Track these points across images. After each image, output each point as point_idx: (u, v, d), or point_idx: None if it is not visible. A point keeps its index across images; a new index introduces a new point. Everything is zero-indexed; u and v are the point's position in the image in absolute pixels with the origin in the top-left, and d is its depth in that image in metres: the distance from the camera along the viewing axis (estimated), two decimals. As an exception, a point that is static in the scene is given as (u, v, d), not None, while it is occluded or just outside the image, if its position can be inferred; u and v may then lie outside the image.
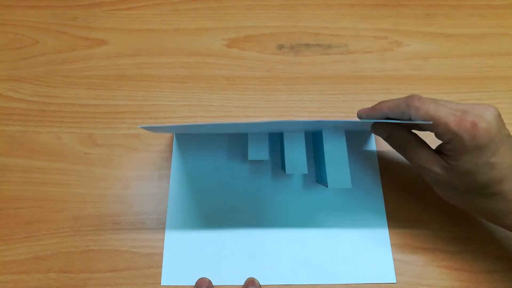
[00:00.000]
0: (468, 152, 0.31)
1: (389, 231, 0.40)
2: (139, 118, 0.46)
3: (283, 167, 0.43)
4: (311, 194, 0.42)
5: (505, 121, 0.45)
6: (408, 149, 0.34)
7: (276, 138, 0.45)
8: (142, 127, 0.32)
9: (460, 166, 0.31)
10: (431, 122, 0.31)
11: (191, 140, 0.45)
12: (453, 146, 0.31)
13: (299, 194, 0.42)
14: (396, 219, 0.41)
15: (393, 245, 0.40)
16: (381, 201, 0.42)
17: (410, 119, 0.33)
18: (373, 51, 0.50)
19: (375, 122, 0.36)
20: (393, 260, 0.39)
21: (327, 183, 0.37)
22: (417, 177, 0.43)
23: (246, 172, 0.43)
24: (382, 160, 0.44)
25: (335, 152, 0.38)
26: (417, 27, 0.53)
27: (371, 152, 0.44)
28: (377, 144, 0.45)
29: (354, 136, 0.45)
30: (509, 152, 0.31)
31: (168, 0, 0.54)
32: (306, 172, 0.39)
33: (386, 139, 0.36)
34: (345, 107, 0.46)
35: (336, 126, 0.38)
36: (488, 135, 0.30)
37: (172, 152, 0.44)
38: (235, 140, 0.45)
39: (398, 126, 0.35)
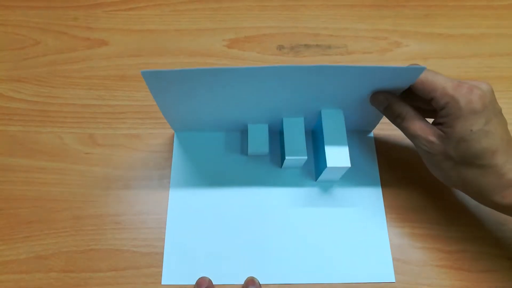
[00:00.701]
0: (463, 117, 0.32)
1: (388, 231, 0.41)
2: (140, 118, 0.46)
3: (283, 166, 0.43)
4: (311, 194, 0.42)
5: (505, 121, 0.45)
6: (405, 119, 0.35)
7: (276, 136, 0.45)
8: (144, 72, 0.32)
9: (455, 133, 0.32)
10: (425, 67, 0.32)
11: (191, 140, 0.45)
12: (449, 110, 0.32)
13: (299, 194, 0.42)
14: (396, 219, 0.41)
15: (392, 244, 0.40)
16: (381, 201, 0.42)
17: (409, 88, 0.35)
18: (372, 52, 0.50)
19: (375, 92, 0.37)
20: (393, 260, 0.39)
21: (326, 163, 0.37)
22: (417, 177, 0.43)
23: (246, 171, 0.43)
24: (382, 160, 0.44)
25: (334, 132, 0.39)
26: (416, 28, 0.53)
27: (371, 151, 0.45)
28: (377, 146, 0.45)
29: (354, 137, 0.45)
30: (501, 126, 0.32)
31: (169, 0, 0.54)
32: (306, 156, 0.39)
33: (384, 111, 0.37)
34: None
35: (335, 105, 0.39)
36: (482, 102, 0.32)
37: (172, 152, 0.44)
38: (235, 139, 0.45)
39: (397, 97, 0.36)
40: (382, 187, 0.43)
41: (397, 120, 0.36)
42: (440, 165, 0.35)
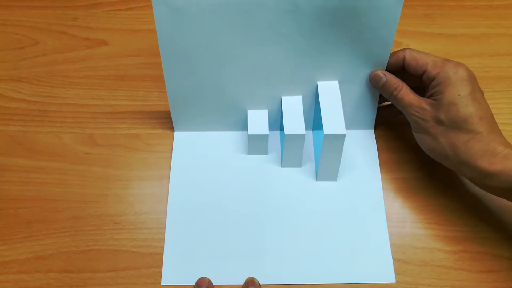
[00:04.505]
0: (452, 84, 0.36)
1: (388, 231, 0.41)
2: (140, 118, 0.46)
3: (283, 164, 0.43)
4: (311, 194, 0.42)
5: (505, 121, 0.46)
6: (401, 92, 0.39)
7: (276, 136, 0.45)
8: None
9: (445, 98, 0.36)
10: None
11: (191, 140, 0.45)
12: (439, 80, 0.37)
13: (299, 194, 0.42)
14: (396, 219, 0.41)
15: (392, 244, 0.40)
16: (381, 201, 0.42)
17: (403, 65, 0.39)
18: (373, 51, 0.50)
19: (372, 71, 0.41)
20: (393, 260, 0.39)
21: (323, 131, 0.39)
22: (418, 177, 0.43)
23: (246, 171, 0.43)
24: (383, 159, 0.44)
25: (330, 102, 0.41)
26: (416, 27, 0.53)
27: (372, 151, 0.44)
28: (378, 146, 0.45)
29: (355, 136, 0.45)
30: (485, 100, 0.37)
31: (168, 0, 0.54)
32: (304, 132, 0.40)
33: (382, 87, 0.41)
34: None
35: (331, 75, 0.41)
36: (468, 73, 0.37)
37: (172, 152, 0.44)
38: (235, 139, 0.45)
39: (393, 74, 0.41)
40: (382, 187, 0.43)
41: (393, 93, 0.40)
42: (432, 131, 0.38)
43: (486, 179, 0.35)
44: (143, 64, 0.50)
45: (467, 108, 0.36)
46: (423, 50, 0.39)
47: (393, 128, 0.46)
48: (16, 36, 0.52)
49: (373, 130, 0.46)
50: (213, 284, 0.38)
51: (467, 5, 0.54)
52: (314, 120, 0.44)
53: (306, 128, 0.43)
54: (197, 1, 0.36)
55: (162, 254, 0.39)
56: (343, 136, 0.39)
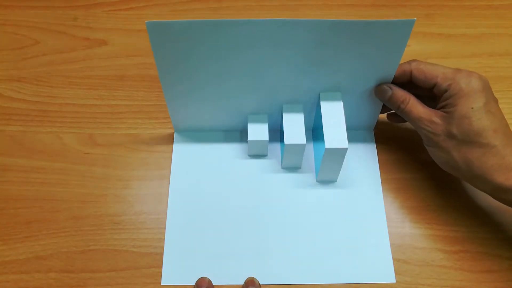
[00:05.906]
0: (465, 96, 0.34)
1: (388, 231, 0.41)
2: (139, 118, 0.46)
3: (283, 165, 0.43)
4: (311, 194, 0.42)
5: (505, 121, 0.45)
6: (409, 104, 0.37)
7: (276, 136, 0.45)
8: (149, 23, 0.33)
9: (457, 111, 0.35)
10: (415, 19, 0.34)
11: (191, 140, 0.45)
12: (451, 92, 0.35)
13: (299, 194, 0.42)
14: (396, 219, 0.41)
15: (392, 244, 0.40)
16: (381, 201, 0.42)
17: (410, 78, 0.37)
18: (372, 51, 0.50)
19: (378, 84, 0.39)
20: (393, 260, 0.39)
21: (324, 145, 0.38)
22: (417, 177, 0.43)
23: (246, 171, 0.43)
24: (383, 159, 0.44)
25: (332, 114, 0.39)
26: (416, 27, 0.52)
27: (371, 151, 0.44)
28: (377, 146, 0.45)
29: (354, 136, 0.45)
30: (500, 111, 0.35)
31: (168, 0, 0.54)
32: (304, 142, 0.39)
33: (389, 100, 0.39)
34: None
35: (333, 87, 0.40)
36: (481, 83, 0.35)
37: (172, 152, 0.44)
38: (234, 139, 0.45)
39: (400, 86, 0.39)
40: (382, 187, 0.43)
41: (401, 106, 0.38)
42: (443, 145, 0.36)
43: (502, 193, 0.34)
44: (143, 64, 0.50)
45: (480, 121, 0.34)
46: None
47: (392, 128, 0.46)
48: (16, 36, 0.52)
49: (372, 131, 0.46)
50: (213, 284, 0.38)
51: (467, 5, 0.54)
52: (314, 121, 0.44)
53: (306, 129, 0.43)
54: (191, 23, 0.34)
55: (162, 254, 0.39)
56: (344, 150, 0.38)
